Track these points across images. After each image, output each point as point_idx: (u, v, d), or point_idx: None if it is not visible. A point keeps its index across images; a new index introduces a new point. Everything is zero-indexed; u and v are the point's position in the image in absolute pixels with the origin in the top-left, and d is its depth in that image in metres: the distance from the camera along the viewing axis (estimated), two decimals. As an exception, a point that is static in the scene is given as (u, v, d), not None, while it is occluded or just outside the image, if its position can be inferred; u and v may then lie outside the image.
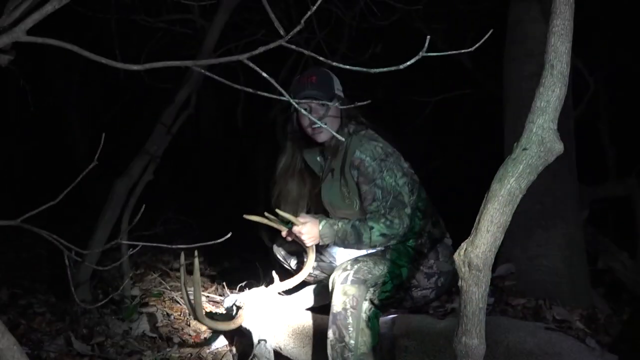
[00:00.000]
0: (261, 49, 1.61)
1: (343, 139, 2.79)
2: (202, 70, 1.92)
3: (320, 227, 2.75)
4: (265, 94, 1.68)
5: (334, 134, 1.77)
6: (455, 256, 1.60)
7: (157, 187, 4.15)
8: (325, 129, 2.68)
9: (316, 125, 2.78)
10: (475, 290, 1.54)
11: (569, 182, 3.29)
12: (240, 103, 5.76)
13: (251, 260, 4.16)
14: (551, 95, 1.56)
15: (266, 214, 2.87)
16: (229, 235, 1.99)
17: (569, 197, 3.29)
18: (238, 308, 3.04)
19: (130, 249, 3.42)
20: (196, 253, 2.57)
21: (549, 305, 2.99)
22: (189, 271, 3.12)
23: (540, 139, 1.55)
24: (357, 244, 2.71)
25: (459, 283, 1.58)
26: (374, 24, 4.44)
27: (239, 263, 4.80)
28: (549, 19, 1.61)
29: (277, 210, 2.84)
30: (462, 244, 1.61)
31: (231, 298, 3.17)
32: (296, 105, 1.70)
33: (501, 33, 3.44)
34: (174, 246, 2.09)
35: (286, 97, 1.64)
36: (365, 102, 1.75)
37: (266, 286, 3.11)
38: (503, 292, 3.10)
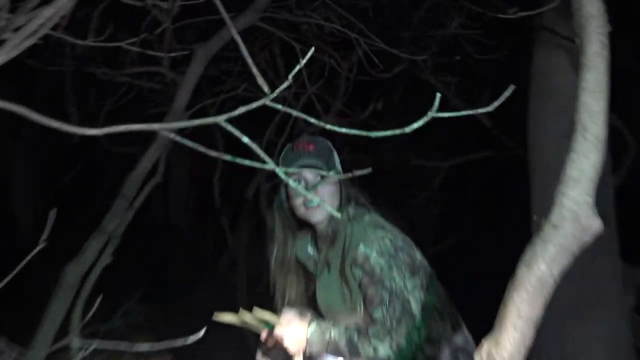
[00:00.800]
0: (241, 110, 1.63)
1: (339, 219, 2.72)
2: (172, 135, 1.93)
3: (309, 334, 2.68)
4: (247, 162, 1.68)
5: (332, 211, 1.77)
6: (476, 358, 1.56)
7: (117, 272, 4.10)
8: (322, 204, 2.66)
9: (312, 204, 2.76)
10: (501, 399, 1.51)
11: (610, 263, 3.28)
12: (217, 171, 5.81)
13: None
14: (585, 163, 1.55)
15: (241, 311, 2.81)
16: (202, 332, 1.95)
17: (611, 281, 3.28)
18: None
19: (83, 349, 3.36)
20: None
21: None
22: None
23: (574, 215, 1.54)
24: (350, 357, 2.66)
25: None
26: (375, 76, 4.50)
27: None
28: (579, 71, 1.63)
29: (255, 309, 2.78)
30: (483, 343, 1.57)
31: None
32: (284, 176, 1.69)
33: (525, 83, 3.49)
34: (134, 345, 2.06)
35: (272, 166, 1.64)
36: (364, 171, 1.76)
37: None
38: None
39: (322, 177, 2.73)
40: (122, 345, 2.03)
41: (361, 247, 2.63)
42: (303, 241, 2.92)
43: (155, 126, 1.81)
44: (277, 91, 1.60)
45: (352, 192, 2.81)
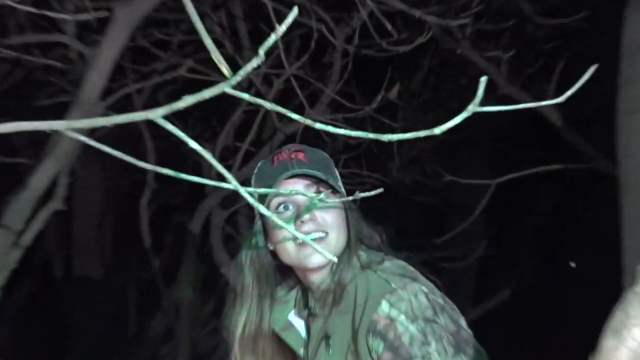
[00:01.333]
0: (187, 100, 1.64)
1: (347, 266, 2.60)
2: (80, 137, 1.92)
3: None
4: (195, 179, 1.69)
5: (328, 256, 1.74)
6: None
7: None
8: (319, 242, 2.60)
9: (315, 236, 2.66)
10: None
11: None
12: (146, 192, 5.82)
13: None
14: None
15: None
16: None
17: None
18: None
19: None
20: None
21: None
22: None
23: None
24: None
25: None
26: (385, 50, 4.52)
27: None
28: None
29: None
30: None
31: None
32: (251, 200, 1.69)
33: (612, 62, 3.52)
34: None
35: (232, 185, 1.65)
36: (375, 192, 1.77)
37: None
38: None
39: (319, 198, 2.58)
40: None
41: (383, 307, 2.51)
42: (283, 305, 2.88)
43: (56, 124, 1.82)
44: (242, 73, 1.61)
45: (363, 227, 2.77)
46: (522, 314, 5.89)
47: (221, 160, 5.51)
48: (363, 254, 2.70)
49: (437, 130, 1.57)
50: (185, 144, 1.74)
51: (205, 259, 5.97)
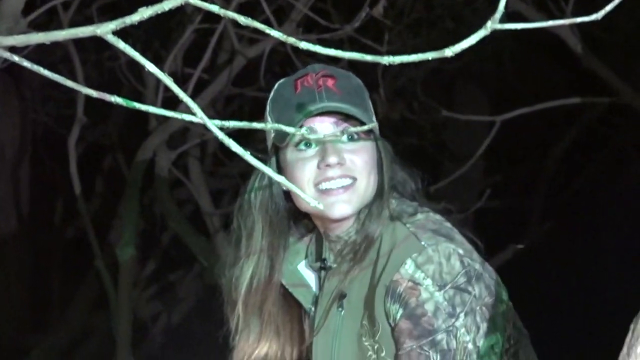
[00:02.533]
0: (143, 13, 1.63)
1: (376, 217, 2.58)
2: (7, 53, 1.89)
3: None
4: (151, 109, 1.67)
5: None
6: None
7: None
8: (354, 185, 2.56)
9: (340, 184, 2.56)
10: None
11: None
12: (76, 126, 5.78)
13: None
14: None
15: None
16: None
17: None
18: None
19: None
20: None
21: None
22: None
23: None
24: None
25: None
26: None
27: None
28: None
29: None
30: None
31: None
32: (220, 134, 1.69)
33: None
34: None
35: (198, 116, 1.63)
36: (364, 127, 1.78)
37: None
38: None
39: (353, 134, 2.56)
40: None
41: (407, 267, 2.47)
42: (293, 254, 2.86)
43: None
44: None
45: (398, 173, 2.74)
46: (527, 277, 5.92)
47: (167, 90, 5.46)
48: (394, 203, 2.65)
49: (449, 52, 1.56)
50: (126, 59, 1.74)
51: (146, 209, 5.97)
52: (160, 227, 6.56)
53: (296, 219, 2.81)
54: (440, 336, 2.44)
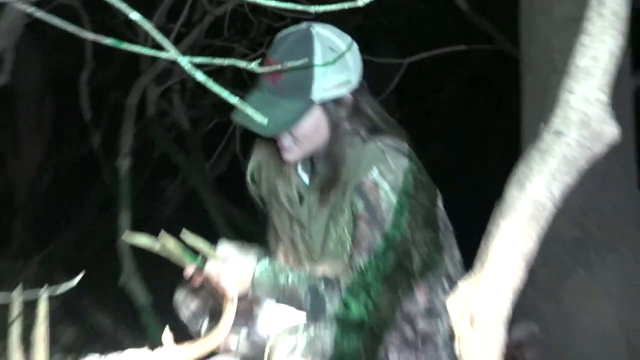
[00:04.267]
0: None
1: (346, 143, 2.76)
2: (27, 7, 1.86)
3: (257, 272, 2.72)
4: (136, 48, 1.68)
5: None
6: (450, 304, 1.62)
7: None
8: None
9: (285, 142, 2.75)
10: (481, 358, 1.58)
11: (624, 192, 3.33)
12: (86, 69, 5.73)
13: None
14: (600, 48, 1.60)
15: (162, 234, 2.70)
16: (76, 280, 2.00)
17: (626, 216, 3.33)
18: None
19: None
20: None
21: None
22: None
23: (582, 117, 1.59)
24: (312, 312, 2.71)
25: (455, 347, 1.60)
26: None
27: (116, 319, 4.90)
28: None
29: (186, 232, 2.68)
30: (460, 287, 1.62)
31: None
32: (191, 69, 1.70)
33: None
34: None
35: (172, 54, 1.64)
36: (301, 62, 1.79)
37: (151, 349, 3.04)
38: (522, 368, 3.17)
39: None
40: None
41: (373, 172, 2.67)
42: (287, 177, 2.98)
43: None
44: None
45: (365, 114, 2.81)
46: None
47: (153, 41, 5.45)
48: (364, 133, 2.77)
49: (361, 2, 1.59)
50: (122, 18, 1.74)
51: (140, 132, 5.93)
52: (151, 146, 6.52)
53: None
54: (386, 225, 2.62)
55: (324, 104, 2.71)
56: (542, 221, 1.62)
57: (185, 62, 1.61)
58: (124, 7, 1.64)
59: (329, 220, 2.77)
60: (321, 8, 1.62)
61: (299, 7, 1.66)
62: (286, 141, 2.73)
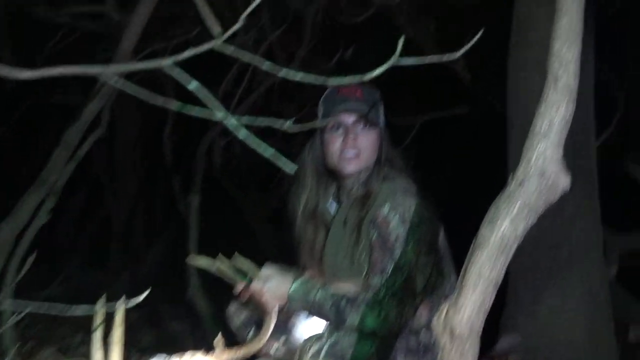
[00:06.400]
0: (189, 53, 1.65)
1: (372, 175, 2.80)
2: (116, 80, 1.90)
3: (292, 289, 2.71)
4: (196, 111, 1.69)
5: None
6: (435, 321, 1.64)
7: (56, 232, 4.11)
8: (360, 155, 2.76)
9: (348, 153, 2.78)
10: (459, 364, 1.59)
11: (590, 228, 3.35)
12: (168, 124, 5.77)
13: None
14: (554, 114, 1.62)
15: (219, 256, 2.76)
16: (143, 295, 1.97)
17: (591, 248, 3.34)
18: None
19: (16, 315, 3.37)
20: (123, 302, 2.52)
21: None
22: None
23: (540, 170, 1.61)
24: (335, 323, 2.70)
25: (439, 356, 1.63)
26: (344, 21, 4.51)
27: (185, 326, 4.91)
28: (555, 18, 1.69)
29: (236, 256, 2.75)
30: (443, 306, 1.66)
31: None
32: (235, 128, 1.70)
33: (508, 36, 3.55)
34: (71, 308, 2.05)
35: (222, 115, 1.65)
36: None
37: (206, 352, 3.05)
38: (505, 372, 3.15)
39: (366, 123, 2.77)
40: (57, 309, 2.02)
41: (385, 208, 2.67)
42: (326, 195, 2.99)
43: (95, 69, 1.81)
44: (228, 33, 1.62)
45: (392, 152, 2.86)
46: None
47: (222, 102, 5.47)
48: (386, 170, 2.81)
49: (368, 76, 1.59)
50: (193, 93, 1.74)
51: (209, 175, 5.95)
52: (218, 186, 6.56)
53: (329, 173, 2.94)
54: (396, 253, 2.62)
55: (381, 129, 2.84)
56: (507, 253, 1.64)
57: (231, 121, 1.63)
58: (184, 79, 1.65)
59: (353, 246, 2.76)
60: (335, 80, 1.63)
61: (321, 79, 1.67)
62: (352, 152, 2.77)
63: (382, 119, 2.86)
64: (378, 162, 2.82)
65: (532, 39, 3.40)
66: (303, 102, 5.76)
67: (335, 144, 2.80)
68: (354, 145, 2.77)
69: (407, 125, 5.37)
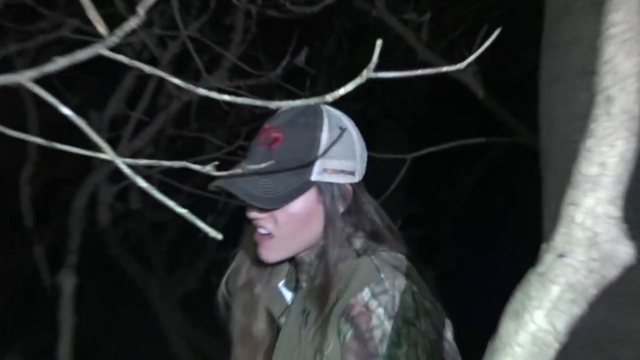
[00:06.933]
0: (60, 63, 1.64)
1: (334, 256, 2.64)
2: None
3: None
4: (74, 150, 1.68)
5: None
6: None
7: None
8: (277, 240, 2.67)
9: (261, 231, 2.67)
10: None
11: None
12: (27, 166, 5.76)
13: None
14: (609, 153, 1.61)
15: None
16: None
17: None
18: None
19: None
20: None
21: None
22: None
23: (589, 236, 1.59)
24: None
25: None
26: (290, 11, 4.53)
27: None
28: (603, 11, 1.66)
29: None
30: None
31: None
32: (129, 172, 1.70)
33: (538, 28, 3.56)
34: None
35: (110, 155, 1.64)
36: (265, 164, 1.80)
37: None
38: None
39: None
40: None
41: (364, 294, 2.51)
42: (275, 275, 2.98)
43: None
44: (119, 33, 1.62)
45: (363, 212, 2.74)
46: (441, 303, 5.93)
47: (111, 130, 5.44)
48: (358, 241, 2.70)
49: (329, 98, 1.59)
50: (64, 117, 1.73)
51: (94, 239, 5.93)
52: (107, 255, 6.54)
53: None
54: None
55: (321, 190, 2.64)
56: (544, 361, 1.60)
57: (124, 166, 1.59)
58: (55, 102, 1.64)
59: (315, 349, 2.59)
60: (283, 104, 1.63)
61: (258, 102, 1.66)
62: (266, 227, 2.65)
63: (319, 170, 2.63)
64: (326, 234, 2.68)
65: (576, 36, 3.35)
66: (234, 129, 5.80)
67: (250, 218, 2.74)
68: (262, 223, 2.68)
69: (395, 163, 5.41)
